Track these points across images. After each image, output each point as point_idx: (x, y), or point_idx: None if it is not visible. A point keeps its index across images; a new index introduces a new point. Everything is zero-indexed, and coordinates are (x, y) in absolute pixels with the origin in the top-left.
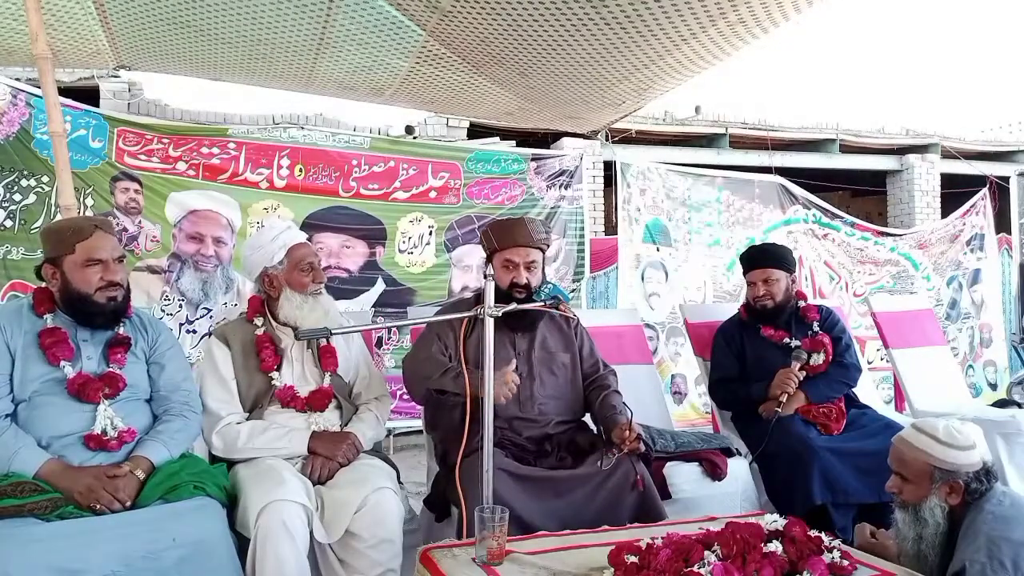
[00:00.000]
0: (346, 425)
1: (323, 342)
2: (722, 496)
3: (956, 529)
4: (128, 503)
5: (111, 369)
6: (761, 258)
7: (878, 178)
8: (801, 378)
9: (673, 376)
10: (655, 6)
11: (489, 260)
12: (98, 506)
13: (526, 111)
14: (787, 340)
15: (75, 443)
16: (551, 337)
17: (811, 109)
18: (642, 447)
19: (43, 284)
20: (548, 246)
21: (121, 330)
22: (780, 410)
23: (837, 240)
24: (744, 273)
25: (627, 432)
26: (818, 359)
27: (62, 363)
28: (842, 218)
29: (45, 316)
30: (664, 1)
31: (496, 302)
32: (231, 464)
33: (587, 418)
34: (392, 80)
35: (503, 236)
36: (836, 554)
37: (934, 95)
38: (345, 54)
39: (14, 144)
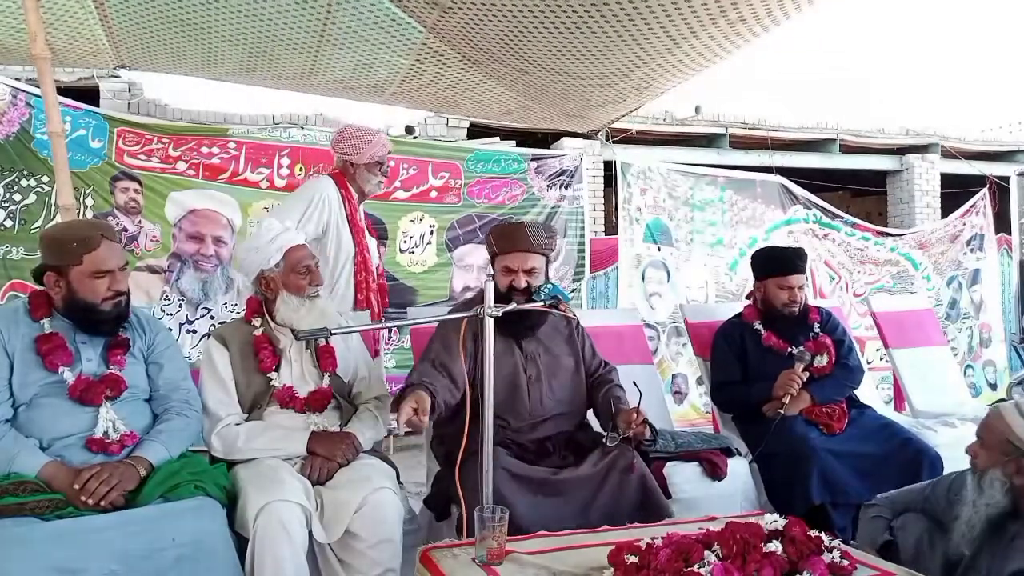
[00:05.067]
0: (345, 425)
1: (322, 342)
2: (722, 496)
3: (1017, 516)
4: (124, 488)
5: (111, 371)
6: (797, 262)
7: (878, 178)
8: (804, 379)
9: (674, 376)
10: (655, 4)
11: (493, 261)
12: (102, 502)
13: (526, 110)
14: (791, 349)
15: (76, 444)
16: (554, 341)
17: (811, 109)
18: (648, 432)
19: (39, 286)
20: (552, 250)
21: (120, 332)
22: (783, 411)
23: (837, 240)
24: (767, 276)
25: (634, 415)
26: (822, 361)
27: (61, 368)
28: (842, 218)
29: (42, 321)
30: (665, 0)
31: (496, 303)
32: (231, 464)
33: (589, 414)
34: (392, 79)
35: (503, 241)
36: (836, 554)
37: (934, 95)
38: (345, 51)
39: (14, 144)
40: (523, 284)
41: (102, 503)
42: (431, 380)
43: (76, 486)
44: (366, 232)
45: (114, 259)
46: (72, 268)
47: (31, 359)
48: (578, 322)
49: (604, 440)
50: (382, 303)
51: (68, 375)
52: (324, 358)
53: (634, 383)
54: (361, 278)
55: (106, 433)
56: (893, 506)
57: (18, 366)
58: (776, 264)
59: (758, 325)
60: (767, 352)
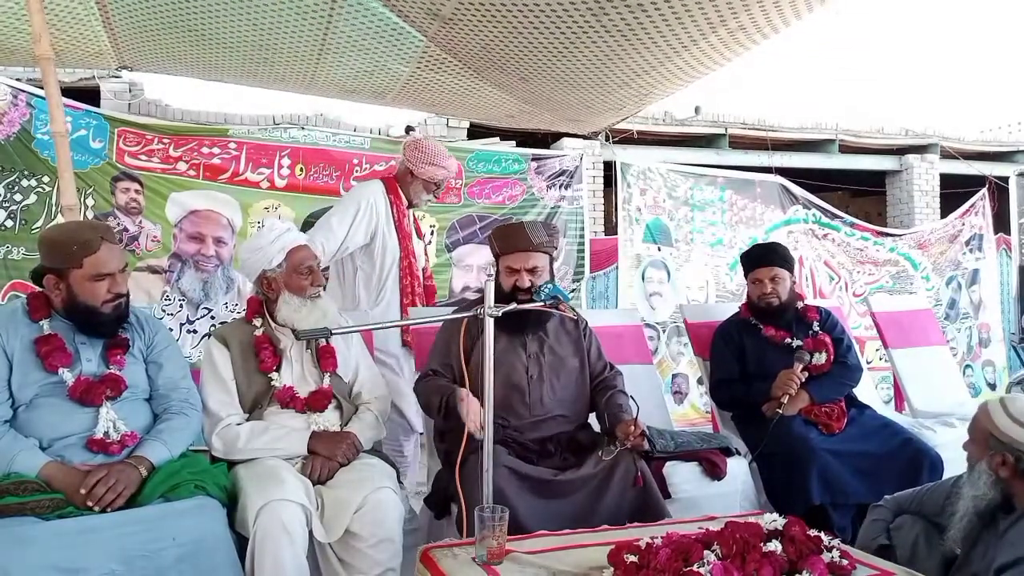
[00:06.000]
0: (346, 425)
1: (322, 342)
2: (721, 496)
3: (1010, 511)
4: (129, 492)
5: (111, 371)
6: (768, 256)
7: (877, 178)
8: (803, 379)
9: (675, 376)
10: (655, 14)
11: (497, 263)
12: (100, 503)
13: (527, 114)
14: (788, 340)
15: (76, 444)
16: (560, 341)
17: (811, 109)
18: (645, 444)
19: (38, 288)
20: (554, 248)
21: (120, 332)
22: (781, 411)
23: (837, 240)
24: (748, 271)
25: (632, 427)
26: (820, 359)
27: (60, 370)
28: (842, 218)
29: (41, 322)
30: (664, 9)
31: (498, 303)
32: (231, 464)
33: (591, 417)
34: (393, 84)
35: (504, 242)
36: (835, 554)
37: (934, 95)
38: (346, 59)
39: (14, 144)
40: (527, 283)
41: (108, 509)
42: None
43: (83, 491)
44: (413, 237)
45: (114, 261)
46: (72, 271)
47: (30, 360)
48: (587, 324)
49: (600, 454)
50: (428, 303)
51: (68, 376)
52: (325, 358)
53: (631, 397)
54: (407, 283)
55: (107, 433)
56: (896, 508)
57: (17, 367)
58: (746, 261)
59: (754, 321)
60: (767, 347)
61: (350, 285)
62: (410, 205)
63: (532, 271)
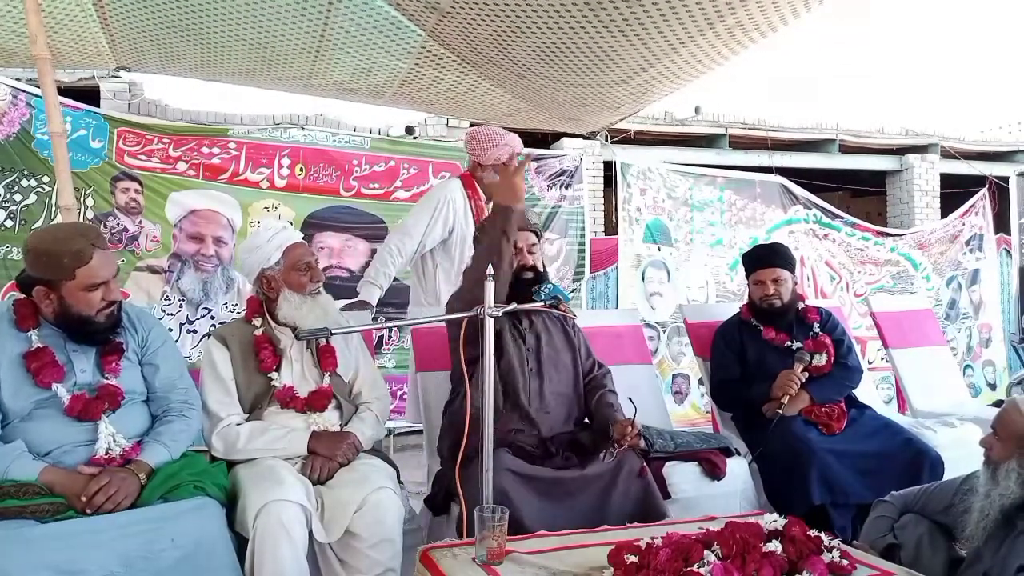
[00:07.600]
0: (346, 425)
1: (322, 342)
2: (721, 496)
3: None
4: (129, 501)
5: (107, 380)
6: (771, 257)
7: (878, 178)
8: (803, 379)
9: (675, 376)
10: (653, 9)
11: None
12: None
13: (525, 112)
14: (788, 344)
15: (74, 451)
16: (554, 336)
17: (811, 109)
18: (642, 443)
19: (24, 294)
20: (541, 233)
21: (113, 337)
22: (782, 411)
23: (837, 240)
24: (749, 272)
25: (629, 428)
26: (820, 360)
27: (54, 386)
28: (842, 218)
29: (30, 332)
30: (662, 5)
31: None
32: (231, 464)
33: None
34: (391, 82)
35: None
36: (836, 554)
37: (934, 95)
38: (344, 56)
39: (14, 144)
40: (531, 261)
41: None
42: None
43: (84, 498)
44: None
45: (106, 269)
46: (65, 283)
47: (21, 375)
48: (575, 321)
49: (603, 457)
50: None
51: (62, 391)
52: (325, 358)
53: (629, 399)
54: None
55: (108, 450)
56: (903, 505)
57: (8, 383)
58: (748, 262)
59: (755, 322)
60: (766, 349)
61: (431, 280)
62: (488, 198)
63: (531, 249)
